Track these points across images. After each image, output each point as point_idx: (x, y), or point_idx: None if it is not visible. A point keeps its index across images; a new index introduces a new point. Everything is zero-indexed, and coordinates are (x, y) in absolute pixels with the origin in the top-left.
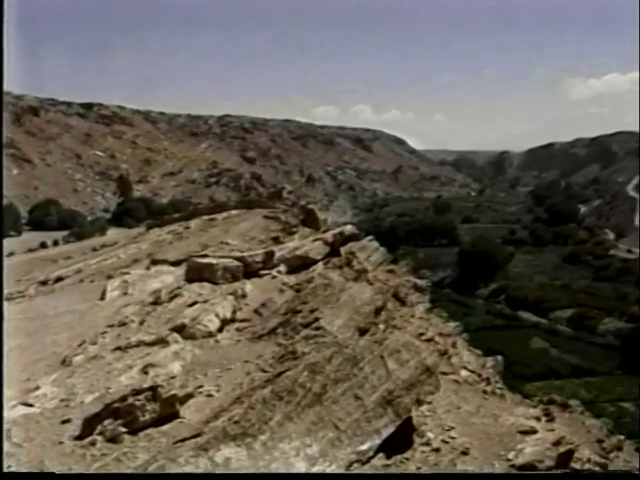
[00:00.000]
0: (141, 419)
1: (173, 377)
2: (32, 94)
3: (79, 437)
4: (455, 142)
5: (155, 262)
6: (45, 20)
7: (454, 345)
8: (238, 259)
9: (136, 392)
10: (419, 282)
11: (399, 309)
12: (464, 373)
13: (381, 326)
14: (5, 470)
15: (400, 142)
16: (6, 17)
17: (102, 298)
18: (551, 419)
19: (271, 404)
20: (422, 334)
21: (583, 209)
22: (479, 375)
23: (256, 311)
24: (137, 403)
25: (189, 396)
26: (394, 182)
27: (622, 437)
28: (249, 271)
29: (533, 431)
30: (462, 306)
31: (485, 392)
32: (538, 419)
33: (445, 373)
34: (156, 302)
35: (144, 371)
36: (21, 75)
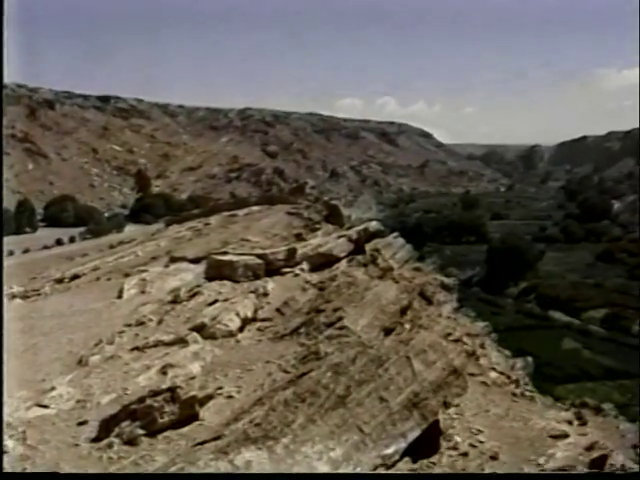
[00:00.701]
0: (159, 421)
1: (192, 378)
2: (47, 87)
3: (96, 439)
4: (484, 136)
5: (174, 259)
6: (59, 13)
7: (482, 346)
8: (259, 256)
9: (154, 393)
10: (446, 280)
11: (425, 308)
12: (493, 375)
13: (407, 326)
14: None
15: (426, 136)
16: (14, 12)
17: (119, 296)
18: (583, 423)
19: (293, 406)
20: (449, 334)
21: (617, 205)
22: (508, 377)
23: (278, 310)
24: (155, 404)
25: (209, 397)
26: (420, 177)
27: None
28: (271, 269)
29: (565, 435)
30: (491, 305)
31: (514, 394)
32: (570, 423)
33: (473, 374)
34: (175, 301)
35: (162, 372)
36: (35, 68)
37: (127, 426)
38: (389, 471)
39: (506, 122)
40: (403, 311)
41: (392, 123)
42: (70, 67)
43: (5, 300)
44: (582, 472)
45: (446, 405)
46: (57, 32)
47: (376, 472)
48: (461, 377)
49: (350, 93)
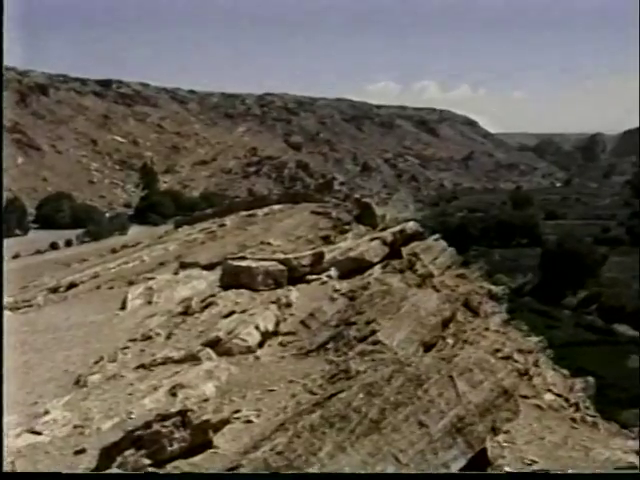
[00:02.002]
0: (168, 449)
1: (206, 400)
2: (40, 70)
3: (95, 470)
4: (537, 123)
5: (185, 266)
6: None
7: (536, 363)
8: (282, 262)
9: (162, 417)
10: (494, 289)
11: (471, 320)
12: (548, 397)
13: (449, 341)
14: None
15: (471, 124)
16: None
17: (123, 308)
18: None
19: (320, 432)
20: (498, 350)
21: None
22: (566, 399)
23: (303, 322)
24: (164, 430)
25: (224, 422)
26: (464, 171)
27: None
28: (294, 276)
29: (632, 467)
30: (546, 317)
31: (574, 420)
32: (638, 453)
33: (526, 397)
34: (186, 312)
35: (172, 393)
36: (27, 49)
37: (131, 455)
38: None
39: (562, 107)
40: (445, 324)
41: (432, 110)
42: (67, 48)
43: None
44: (582, 472)
45: (495, 431)
46: (53, 9)
47: (376, 472)
48: (512, 399)
49: (384, 76)
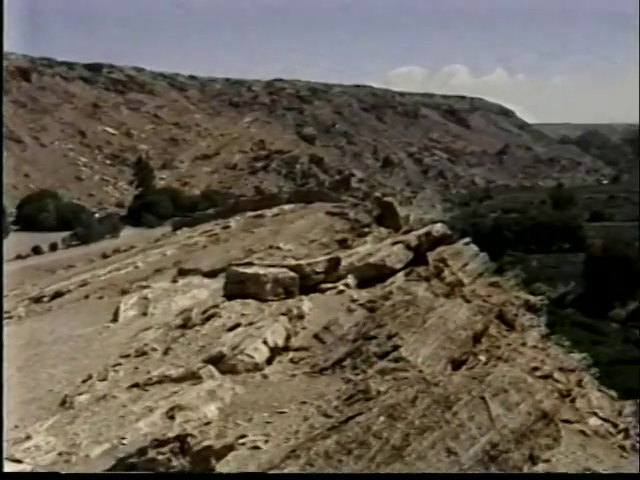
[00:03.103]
0: None
1: (207, 423)
2: (21, 52)
3: None
4: (581, 113)
5: (184, 272)
6: None
7: (580, 384)
8: (293, 269)
9: (159, 443)
10: (532, 299)
11: (505, 335)
12: (594, 422)
13: (482, 357)
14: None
15: (506, 113)
16: None
17: (114, 320)
18: None
19: (336, 459)
20: (536, 368)
21: None
22: (614, 425)
23: (316, 337)
24: (160, 458)
25: (228, 448)
26: (498, 166)
27: None
28: (307, 284)
29: None
30: (590, 331)
31: (623, 448)
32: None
33: (568, 421)
34: (185, 325)
35: (169, 415)
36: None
37: None
38: None
39: (609, 94)
40: (476, 338)
41: (462, 98)
42: (52, 28)
43: None
44: (582, 472)
45: (533, 460)
46: None
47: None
48: (552, 424)
49: (408, 59)
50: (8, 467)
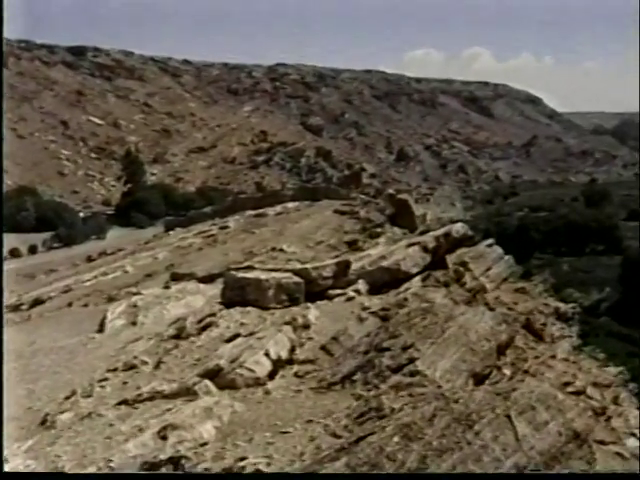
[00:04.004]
0: None
1: (203, 444)
2: None
3: None
4: (617, 100)
5: (177, 277)
6: None
7: (616, 400)
8: (298, 273)
9: (150, 466)
10: (563, 307)
11: (533, 346)
12: (632, 443)
13: (507, 371)
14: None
15: (534, 101)
16: None
17: (100, 330)
18: None
19: None
20: (568, 384)
21: None
22: None
23: (324, 348)
24: None
25: (227, 472)
26: (525, 160)
27: None
28: (314, 290)
29: None
30: (627, 342)
31: None
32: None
33: (603, 442)
34: (179, 335)
35: (161, 435)
36: None
37: None
38: None
39: None
40: (501, 350)
41: (485, 84)
42: (33, 9)
43: None
44: (582, 472)
45: None
46: None
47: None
48: (585, 445)
49: (425, 41)
50: None
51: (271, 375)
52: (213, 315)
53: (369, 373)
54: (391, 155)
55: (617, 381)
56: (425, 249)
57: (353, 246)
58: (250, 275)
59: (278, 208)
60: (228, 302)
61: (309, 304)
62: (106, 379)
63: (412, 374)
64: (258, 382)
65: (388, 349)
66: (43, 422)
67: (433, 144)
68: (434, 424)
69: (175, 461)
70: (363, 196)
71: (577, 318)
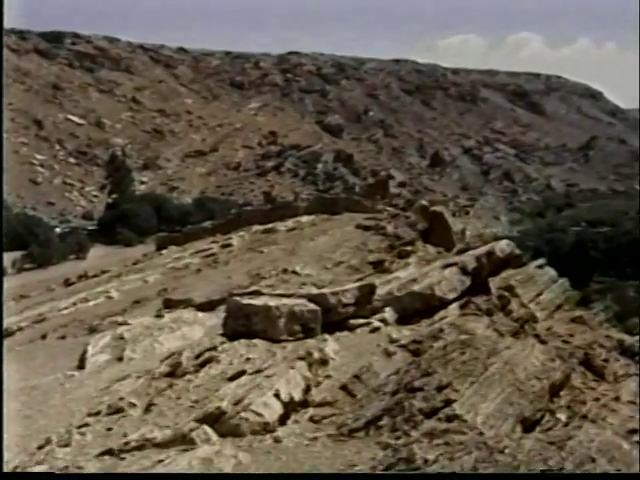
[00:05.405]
0: None
1: None
2: None
3: None
4: None
5: (171, 304)
6: None
7: None
8: (313, 299)
9: None
10: (628, 339)
11: (593, 386)
12: None
13: (561, 416)
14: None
15: (594, 96)
16: None
17: (80, 366)
18: None
19: None
20: (634, 431)
21: None
22: None
23: (345, 388)
24: None
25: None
26: (583, 165)
27: None
28: (333, 320)
29: None
30: None
31: None
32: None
33: None
34: (173, 373)
35: None
36: None
37: None
38: None
39: None
40: (555, 391)
41: (535, 75)
42: None
43: None
44: (582, 472)
45: None
46: None
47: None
48: None
49: (463, 25)
50: None
51: (282, 420)
52: (213, 349)
53: (398, 418)
54: (424, 160)
55: None
56: (464, 271)
57: (379, 267)
58: (257, 302)
59: (290, 223)
60: (231, 333)
61: (327, 336)
62: (87, 425)
63: (449, 419)
64: (266, 428)
65: (420, 389)
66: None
67: (473, 146)
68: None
69: None
70: (390, 208)
71: None
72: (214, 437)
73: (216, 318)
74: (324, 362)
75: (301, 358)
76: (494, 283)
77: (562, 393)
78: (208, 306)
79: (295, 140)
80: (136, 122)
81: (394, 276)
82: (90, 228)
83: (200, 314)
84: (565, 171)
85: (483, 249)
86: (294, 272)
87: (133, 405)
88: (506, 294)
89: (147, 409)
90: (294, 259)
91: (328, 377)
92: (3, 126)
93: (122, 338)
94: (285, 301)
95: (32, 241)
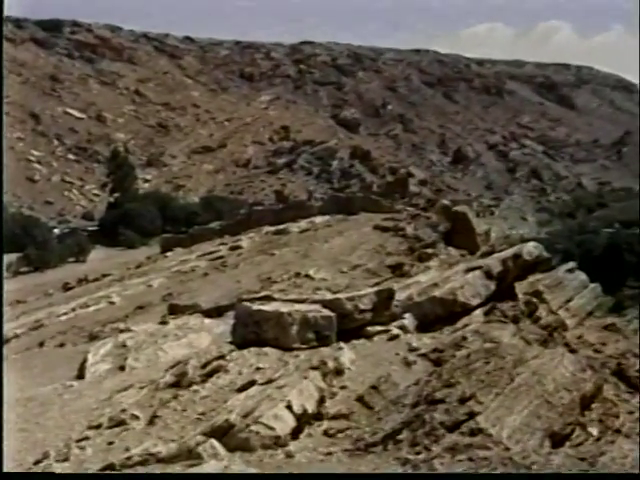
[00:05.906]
0: None
1: None
2: None
3: None
4: None
5: (177, 310)
6: None
7: None
8: (328, 305)
9: None
10: None
11: (626, 398)
12: None
13: (593, 430)
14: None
15: (627, 88)
16: None
17: (80, 376)
18: None
19: None
20: None
21: None
22: None
23: (361, 400)
24: None
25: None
26: (616, 163)
27: None
28: (349, 327)
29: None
30: None
31: None
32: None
33: None
34: (179, 383)
35: None
36: None
37: None
38: None
39: None
40: (585, 403)
41: (565, 66)
42: None
43: None
44: (582, 472)
45: None
46: None
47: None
48: None
49: (489, 13)
50: None
51: (294, 434)
52: (221, 358)
53: (418, 431)
54: (446, 157)
55: None
56: (488, 275)
57: (398, 271)
58: (268, 308)
59: (303, 223)
60: (240, 341)
61: (342, 344)
62: (87, 438)
63: (472, 433)
64: (278, 442)
65: (442, 401)
66: None
67: (499, 142)
68: None
69: None
70: (410, 208)
71: None
72: (222, 452)
73: (224, 325)
74: (339, 372)
75: (315, 368)
76: (521, 288)
77: (593, 406)
78: (216, 312)
79: (309, 135)
80: (139, 116)
81: (414, 280)
82: (90, 229)
83: (207, 321)
84: (597, 169)
85: (509, 252)
86: (307, 276)
87: (136, 417)
88: (534, 300)
89: (151, 422)
90: (307, 262)
91: (343, 388)
92: (3, 123)
93: (124, 346)
94: (298, 307)
95: (29, 243)
